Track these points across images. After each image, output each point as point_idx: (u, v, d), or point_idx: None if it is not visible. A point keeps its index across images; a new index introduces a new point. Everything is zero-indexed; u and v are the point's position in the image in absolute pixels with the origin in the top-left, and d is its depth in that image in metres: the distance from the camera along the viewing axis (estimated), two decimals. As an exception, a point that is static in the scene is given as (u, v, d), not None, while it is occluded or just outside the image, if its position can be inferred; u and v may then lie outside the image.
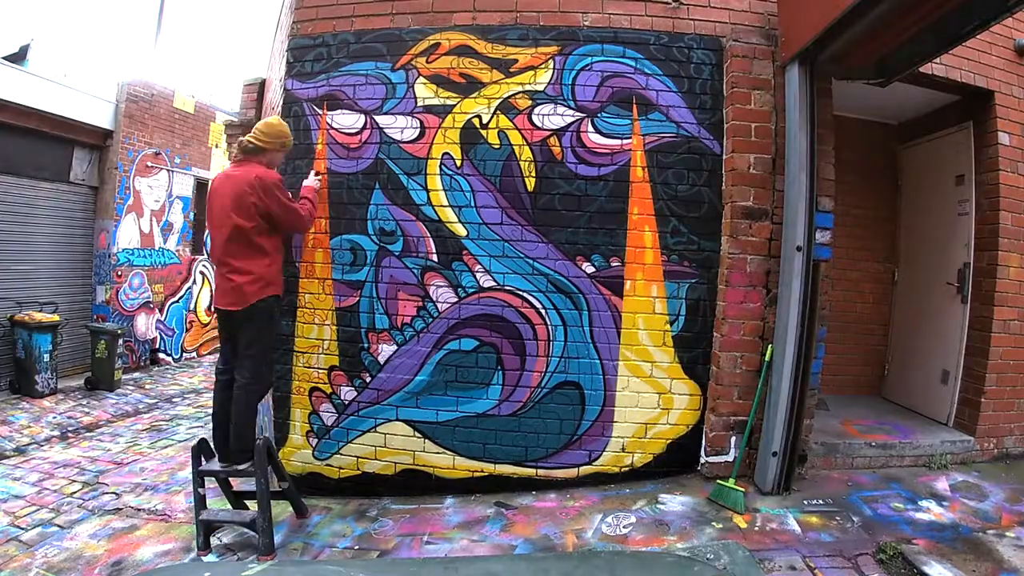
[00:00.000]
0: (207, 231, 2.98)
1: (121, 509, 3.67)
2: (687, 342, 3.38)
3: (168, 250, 9.23)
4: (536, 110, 3.39)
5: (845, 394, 4.47)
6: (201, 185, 9.91)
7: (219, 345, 3.26)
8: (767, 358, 3.20)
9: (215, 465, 3.04)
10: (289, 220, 3.05)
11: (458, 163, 3.44)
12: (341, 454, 3.55)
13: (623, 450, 3.39)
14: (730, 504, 2.98)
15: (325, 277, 3.55)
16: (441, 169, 3.45)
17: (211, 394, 7.23)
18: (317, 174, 3.45)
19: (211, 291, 10.41)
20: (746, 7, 3.45)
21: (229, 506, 3.19)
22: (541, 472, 3.43)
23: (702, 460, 3.36)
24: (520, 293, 3.41)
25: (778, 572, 2.41)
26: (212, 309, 3.08)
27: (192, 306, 9.91)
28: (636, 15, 3.42)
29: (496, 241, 3.41)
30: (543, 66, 3.41)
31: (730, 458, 3.30)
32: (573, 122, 3.39)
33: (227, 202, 2.91)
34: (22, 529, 3.43)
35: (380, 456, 3.52)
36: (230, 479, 3.14)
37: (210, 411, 6.31)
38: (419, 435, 3.49)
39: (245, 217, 2.88)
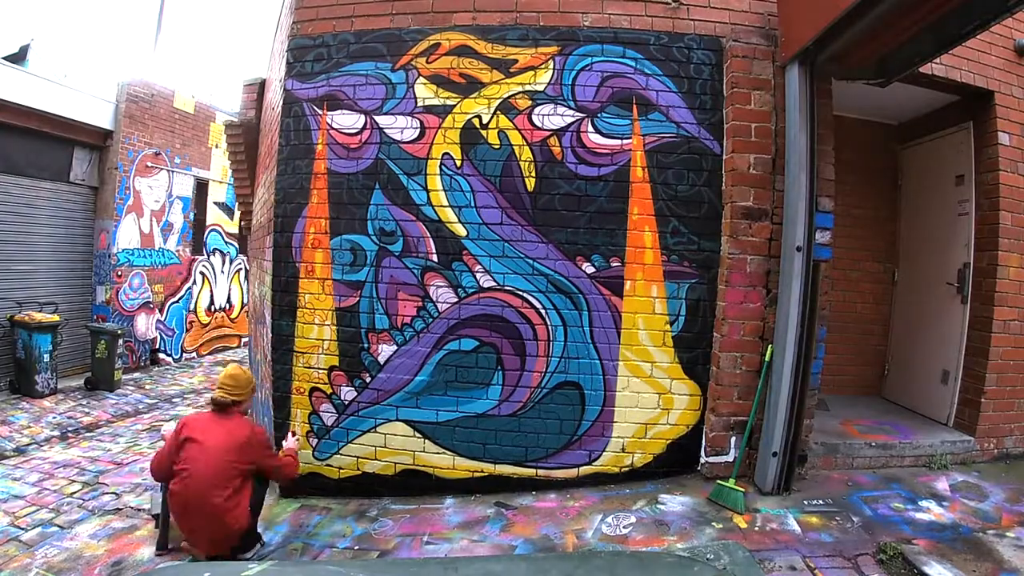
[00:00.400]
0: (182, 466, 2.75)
1: (121, 509, 3.67)
2: (687, 342, 3.38)
3: (168, 250, 9.23)
4: (536, 110, 3.39)
5: (845, 394, 4.46)
6: (201, 185, 9.92)
7: None
8: (767, 358, 3.20)
9: None
10: (277, 469, 3.00)
11: (458, 163, 3.44)
12: (341, 454, 3.55)
13: (623, 450, 3.39)
14: (730, 504, 2.97)
15: (325, 277, 3.55)
16: (441, 169, 3.45)
17: (211, 393, 7.29)
18: (294, 434, 3.36)
19: (211, 291, 10.43)
20: (746, 7, 3.45)
21: None
22: (541, 472, 3.43)
23: (702, 460, 3.36)
24: (520, 293, 3.41)
25: (778, 572, 2.41)
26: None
27: (192, 306, 9.91)
28: (636, 15, 3.42)
29: (496, 241, 3.41)
30: (543, 66, 3.41)
31: (730, 458, 3.30)
32: (573, 122, 3.39)
33: (222, 445, 2.75)
34: (22, 529, 3.43)
35: (380, 456, 3.53)
36: None
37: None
38: (419, 435, 3.49)
39: (241, 465, 2.78)
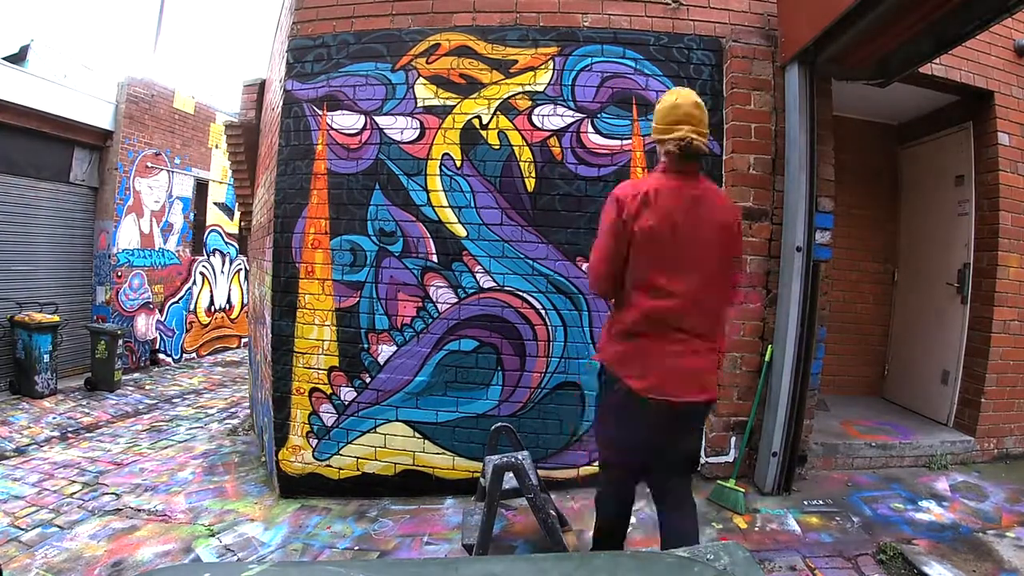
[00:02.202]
0: (605, 265, 1.99)
1: (121, 510, 3.67)
2: (687, 342, 3.37)
3: (168, 251, 9.23)
4: (536, 111, 3.39)
5: (845, 394, 4.47)
6: (201, 185, 9.92)
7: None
8: (767, 358, 3.20)
9: None
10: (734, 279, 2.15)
11: (458, 164, 3.44)
12: (341, 455, 3.55)
13: (623, 450, 3.39)
14: (730, 505, 2.97)
15: (325, 278, 3.55)
16: (441, 170, 3.45)
17: (211, 394, 7.31)
18: None
19: (211, 292, 10.43)
20: (746, 8, 3.45)
21: None
22: (541, 473, 3.42)
23: (702, 461, 3.36)
24: (520, 294, 3.41)
25: (778, 572, 2.41)
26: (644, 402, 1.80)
27: (192, 307, 9.91)
28: (636, 16, 3.42)
29: (496, 242, 3.41)
30: (543, 67, 3.41)
31: (730, 459, 3.30)
32: (573, 123, 3.39)
33: (711, 231, 1.94)
34: (22, 530, 3.43)
35: (380, 457, 3.52)
36: None
37: (210, 411, 6.40)
38: (419, 435, 3.49)
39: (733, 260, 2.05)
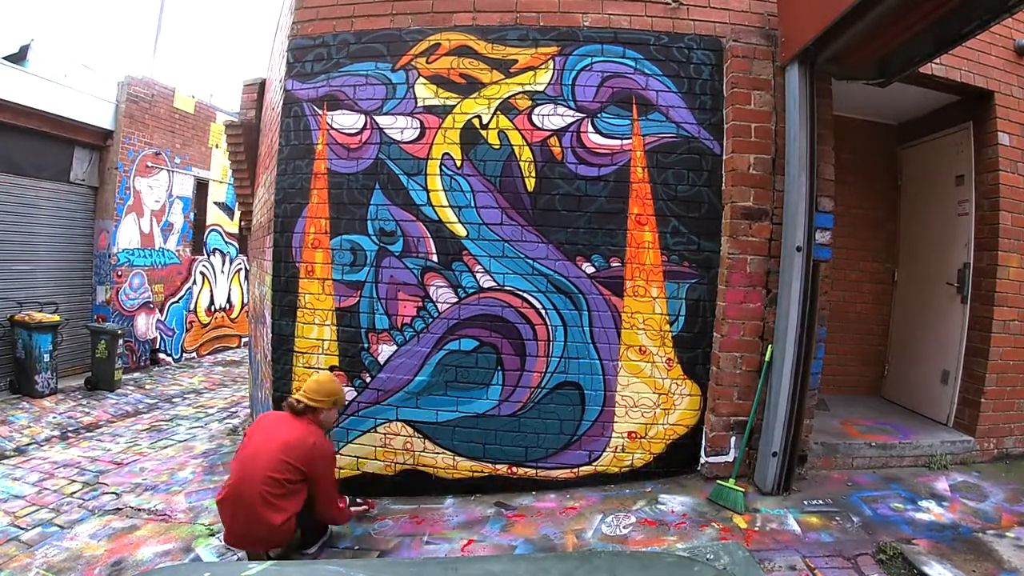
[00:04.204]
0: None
1: (121, 509, 3.67)
2: (687, 342, 3.38)
3: (168, 250, 9.23)
4: (536, 110, 3.39)
5: (845, 394, 4.47)
6: (201, 185, 9.92)
7: None
8: (767, 358, 3.20)
9: None
10: (328, 499, 2.80)
11: (458, 163, 3.44)
12: (341, 454, 3.54)
13: (623, 450, 3.39)
14: (730, 504, 2.97)
15: (325, 277, 3.55)
16: (441, 169, 3.45)
17: (211, 394, 7.31)
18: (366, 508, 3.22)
19: (211, 291, 10.43)
20: (746, 7, 3.45)
21: None
22: (541, 472, 3.43)
23: (702, 460, 3.36)
24: (520, 293, 3.41)
25: (778, 572, 2.41)
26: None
27: (192, 306, 9.91)
28: (636, 15, 3.42)
29: (496, 241, 3.41)
30: (543, 66, 3.41)
31: (730, 458, 3.30)
32: (573, 122, 3.39)
33: (277, 444, 2.63)
34: (22, 529, 3.43)
35: (380, 456, 3.53)
36: None
37: (210, 411, 6.40)
38: (419, 435, 3.49)
39: (290, 466, 2.61)
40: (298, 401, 2.80)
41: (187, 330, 9.80)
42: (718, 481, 3.12)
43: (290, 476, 2.59)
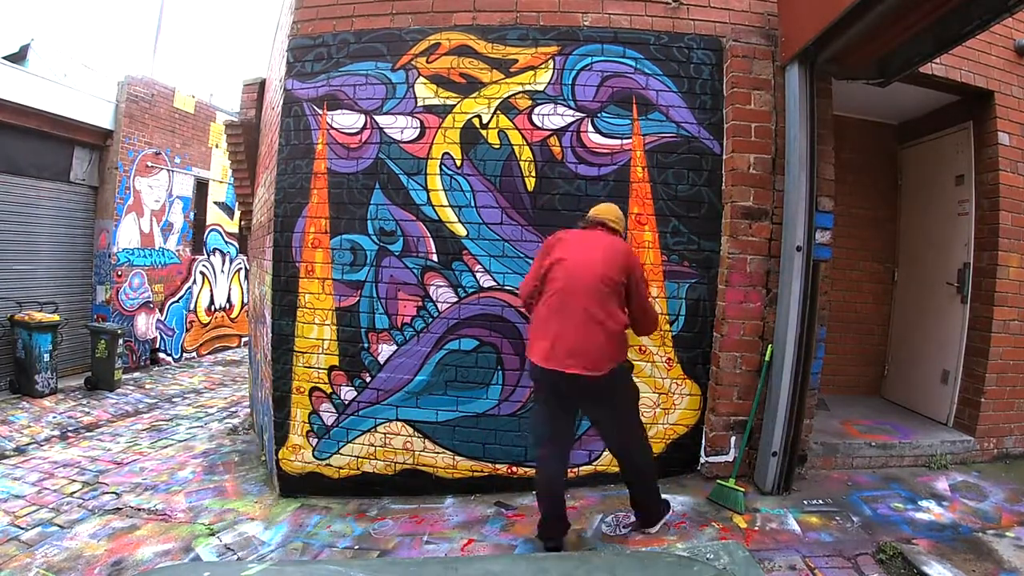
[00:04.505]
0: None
1: (121, 509, 3.67)
2: (687, 342, 3.38)
3: (168, 250, 9.23)
4: (536, 110, 3.39)
5: (845, 394, 4.47)
6: (201, 185, 9.92)
7: (540, 408, 2.72)
8: (767, 358, 3.20)
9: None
10: (644, 307, 2.71)
11: (458, 163, 3.44)
12: (341, 454, 3.55)
13: (623, 450, 3.39)
14: (730, 504, 2.97)
15: (325, 277, 3.55)
16: (441, 169, 3.45)
17: (211, 394, 7.31)
18: None
19: (211, 291, 10.43)
20: (746, 7, 3.45)
21: None
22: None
23: (702, 460, 3.36)
24: (520, 293, 3.41)
25: (778, 572, 2.41)
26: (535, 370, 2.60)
27: (192, 306, 9.91)
28: (636, 15, 3.42)
29: (496, 241, 3.41)
30: (543, 66, 3.41)
31: (730, 458, 3.30)
32: (573, 122, 3.39)
33: (597, 255, 2.58)
34: (22, 529, 3.43)
35: (380, 456, 3.53)
36: None
37: (210, 410, 6.40)
38: (419, 435, 3.49)
39: (617, 273, 2.56)
40: (595, 215, 2.77)
41: (187, 330, 9.80)
42: (718, 481, 3.11)
43: (618, 279, 2.55)
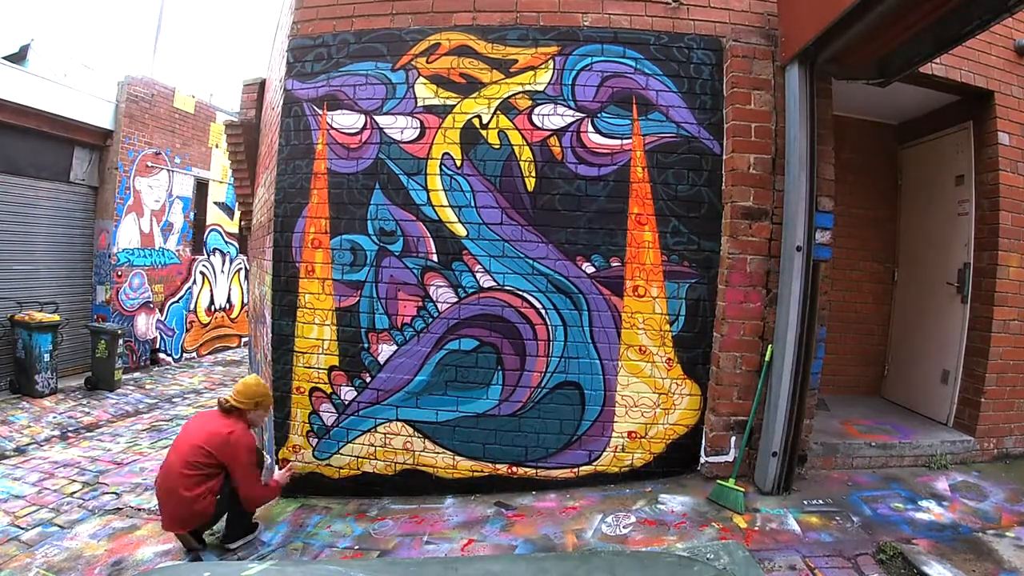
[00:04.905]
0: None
1: (121, 509, 3.68)
2: (687, 342, 3.38)
3: (168, 250, 9.24)
4: (536, 110, 3.39)
5: (845, 394, 4.46)
6: (201, 185, 9.92)
7: None
8: (767, 358, 3.20)
9: None
10: (247, 481, 3.00)
11: (458, 163, 3.44)
12: (341, 454, 3.55)
13: (623, 450, 3.39)
14: (730, 504, 2.97)
15: (325, 277, 3.55)
16: (441, 169, 3.45)
17: (211, 394, 7.31)
18: (289, 470, 3.38)
19: (211, 291, 10.44)
20: (746, 7, 3.45)
21: None
22: (541, 472, 3.43)
23: (702, 460, 3.37)
24: (520, 293, 3.41)
25: (778, 572, 2.41)
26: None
27: (192, 306, 9.92)
28: (636, 15, 3.42)
29: (496, 241, 3.41)
30: (543, 66, 3.41)
31: (730, 458, 3.30)
32: (573, 122, 3.39)
33: (198, 434, 2.98)
34: (22, 529, 3.43)
35: (380, 456, 3.53)
36: None
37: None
38: (419, 435, 3.49)
39: (205, 452, 2.92)
40: (226, 401, 3.08)
41: (187, 330, 9.81)
42: (718, 481, 3.12)
43: (204, 461, 2.90)
